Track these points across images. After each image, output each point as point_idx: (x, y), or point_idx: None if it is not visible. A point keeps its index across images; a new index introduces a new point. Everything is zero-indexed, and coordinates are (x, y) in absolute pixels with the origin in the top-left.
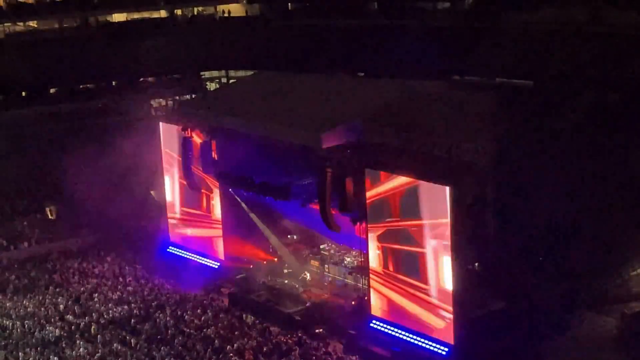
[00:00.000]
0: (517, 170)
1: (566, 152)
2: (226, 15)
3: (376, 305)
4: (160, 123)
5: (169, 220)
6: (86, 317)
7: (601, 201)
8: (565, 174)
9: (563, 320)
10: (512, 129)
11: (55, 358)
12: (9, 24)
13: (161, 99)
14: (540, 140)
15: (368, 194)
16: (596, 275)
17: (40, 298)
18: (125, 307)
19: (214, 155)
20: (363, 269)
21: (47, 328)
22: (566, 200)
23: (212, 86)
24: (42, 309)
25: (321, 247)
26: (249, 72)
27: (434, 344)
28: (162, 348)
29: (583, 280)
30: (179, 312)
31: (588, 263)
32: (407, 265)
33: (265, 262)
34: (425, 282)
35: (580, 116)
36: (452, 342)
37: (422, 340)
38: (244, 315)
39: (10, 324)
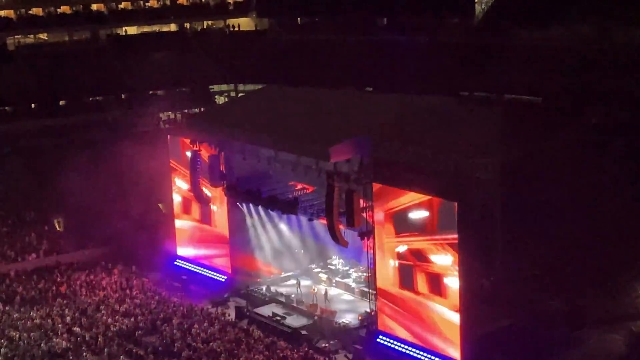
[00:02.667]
0: (525, 185)
1: (574, 168)
2: (236, 29)
3: (383, 321)
4: (169, 136)
5: (177, 233)
6: (93, 329)
7: (610, 217)
8: (573, 189)
9: (571, 337)
10: (520, 144)
11: None
12: (20, 36)
13: (170, 112)
14: (548, 156)
15: (376, 208)
16: (604, 292)
17: (47, 310)
18: (132, 319)
19: (222, 168)
20: (370, 284)
21: (54, 340)
22: (574, 216)
23: (220, 100)
24: (49, 320)
25: (328, 261)
26: (258, 86)
27: None
28: None
29: (591, 297)
30: (185, 325)
31: (596, 280)
32: (415, 281)
33: (272, 276)
34: (432, 297)
35: (588, 132)
36: (459, 358)
37: (429, 356)
38: (250, 329)
39: (17, 335)
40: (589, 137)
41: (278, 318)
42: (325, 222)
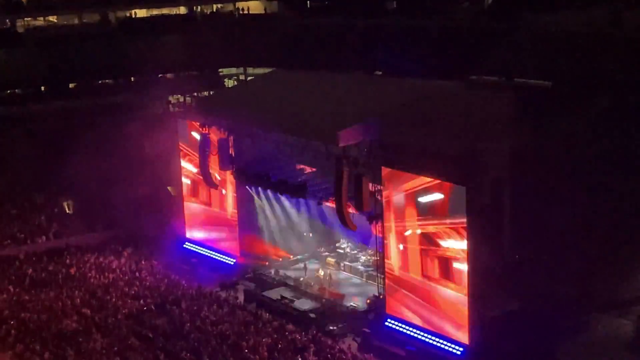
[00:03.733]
0: (534, 171)
1: (584, 153)
2: (245, 12)
3: (391, 304)
4: (178, 119)
5: (186, 216)
6: (102, 311)
7: (619, 203)
8: (582, 175)
9: (579, 322)
10: (529, 130)
11: (72, 351)
12: (29, 18)
13: (179, 96)
14: (558, 141)
15: (385, 192)
16: (613, 277)
17: (57, 292)
18: (141, 301)
19: (231, 152)
20: (379, 268)
21: (64, 321)
22: (583, 202)
23: (230, 83)
24: (59, 302)
25: (337, 245)
26: (267, 70)
27: (449, 344)
28: (177, 343)
29: (600, 282)
30: (194, 308)
31: (605, 265)
32: (423, 265)
33: (280, 259)
34: (441, 281)
35: (598, 118)
36: (467, 342)
37: (437, 339)
38: (259, 312)
39: (27, 316)
40: (599, 122)
41: (286, 301)
42: (333, 205)
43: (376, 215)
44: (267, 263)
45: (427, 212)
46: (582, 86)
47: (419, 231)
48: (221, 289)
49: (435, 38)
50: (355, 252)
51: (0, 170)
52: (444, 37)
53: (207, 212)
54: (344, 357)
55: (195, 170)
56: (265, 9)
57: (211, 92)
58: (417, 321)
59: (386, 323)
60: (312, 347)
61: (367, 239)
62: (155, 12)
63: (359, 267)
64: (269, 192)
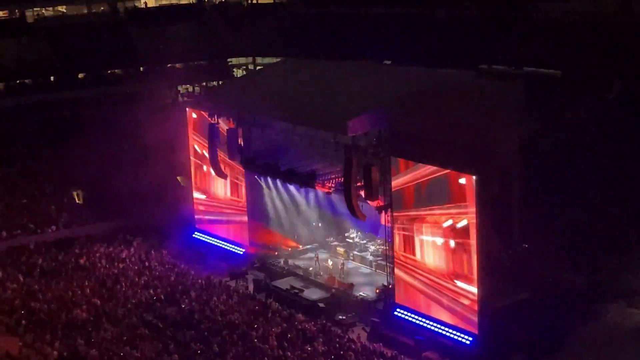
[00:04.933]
0: (544, 160)
1: (594, 142)
2: (254, 1)
3: (400, 294)
4: (187, 109)
5: (195, 206)
6: (112, 301)
7: (629, 192)
8: (592, 164)
9: (588, 311)
10: (539, 118)
11: (82, 341)
12: (38, 8)
13: (188, 85)
14: (568, 130)
15: (395, 182)
16: (623, 266)
17: (67, 281)
18: (151, 291)
19: (240, 141)
20: (388, 257)
21: (74, 311)
22: (594, 191)
23: (239, 73)
24: (69, 292)
25: (346, 235)
26: (276, 59)
27: (457, 333)
28: (187, 332)
29: (609, 271)
30: (204, 298)
31: (613, 253)
32: (433, 254)
33: (290, 249)
34: (450, 271)
35: (609, 107)
36: (476, 331)
37: (446, 329)
38: (268, 302)
39: (37, 306)
40: (609, 111)
41: (296, 291)
42: (343, 195)
43: (385, 204)
44: (276, 253)
45: (437, 201)
46: (592, 75)
47: (428, 220)
48: (231, 278)
49: (444, 27)
50: (365, 241)
51: (10, 159)
52: (454, 26)
53: (217, 202)
54: (353, 346)
55: (205, 160)
56: None
57: (220, 82)
58: (426, 311)
59: (395, 312)
60: (321, 336)
61: (376, 228)
62: (164, 1)
63: (368, 256)
64: (278, 182)
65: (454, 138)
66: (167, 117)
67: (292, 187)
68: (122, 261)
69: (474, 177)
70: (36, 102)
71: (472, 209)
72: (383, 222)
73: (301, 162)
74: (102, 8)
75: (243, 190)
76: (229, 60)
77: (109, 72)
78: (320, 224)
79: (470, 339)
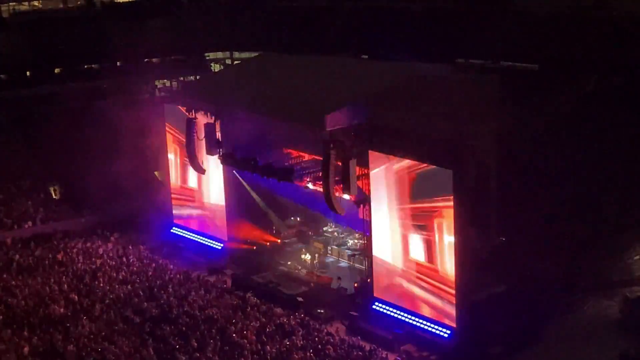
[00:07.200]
0: (521, 153)
1: (570, 135)
2: None
3: (378, 287)
4: (165, 104)
5: (173, 200)
6: (90, 297)
7: (605, 184)
8: (568, 156)
9: (565, 303)
10: (516, 112)
11: (60, 336)
12: (14, 3)
13: (165, 80)
14: (544, 123)
15: (372, 175)
16: (600, 258)
17: (45, 277)
18: (129, 286)
19: (218, 136)
20: (366, 251)
21: (51, 307)
22: (569, 183)
23: (216, 67)
24: (47, 288)
25: (324, 229)
26: (254, 54)
27: (436, 327)
28: (165, 327)
29: (585, 263)
30: (182, 292)
31: (591, 246)
32: (410, 248)
33: (268, 244)
34: (428, 264)
35: (584, 100)
36: (454, 324)
37: (424, 322)
38: (247, 296)
39: (15, 302)
40: (585, 104)
41: (274, 285)
42: (321, 189)
43: (363, 198)
44: (254, 248)
45: (414, 194)
46: (568, 67)
47: (406, 213)
48: (209, 273)
49: (421, 21)
50: (343, 235)
51: None
52: (431, 20)
53: (194, 197)
54: (331, 340)
55: (182, 154)
56: None
57: (197, 77)
58: (404, 304)
59: (373, 306)
60: (300, 330)
61: (354, 222)
62: None
63: (347, 250)
64: (257, 177)
65: (431, 132)
66: (144, 112)
67: (270, 182)
68: (99, 256)
69: (450, 171)
70: (11, 98)
71: (449, 203)
72: (361, 216)
73: (279, 157)
74: (78, 2)
75: (221, 185)
76: (206, 54)
77: (85, 66)
78: (298, 218)
79: (449, 332)
